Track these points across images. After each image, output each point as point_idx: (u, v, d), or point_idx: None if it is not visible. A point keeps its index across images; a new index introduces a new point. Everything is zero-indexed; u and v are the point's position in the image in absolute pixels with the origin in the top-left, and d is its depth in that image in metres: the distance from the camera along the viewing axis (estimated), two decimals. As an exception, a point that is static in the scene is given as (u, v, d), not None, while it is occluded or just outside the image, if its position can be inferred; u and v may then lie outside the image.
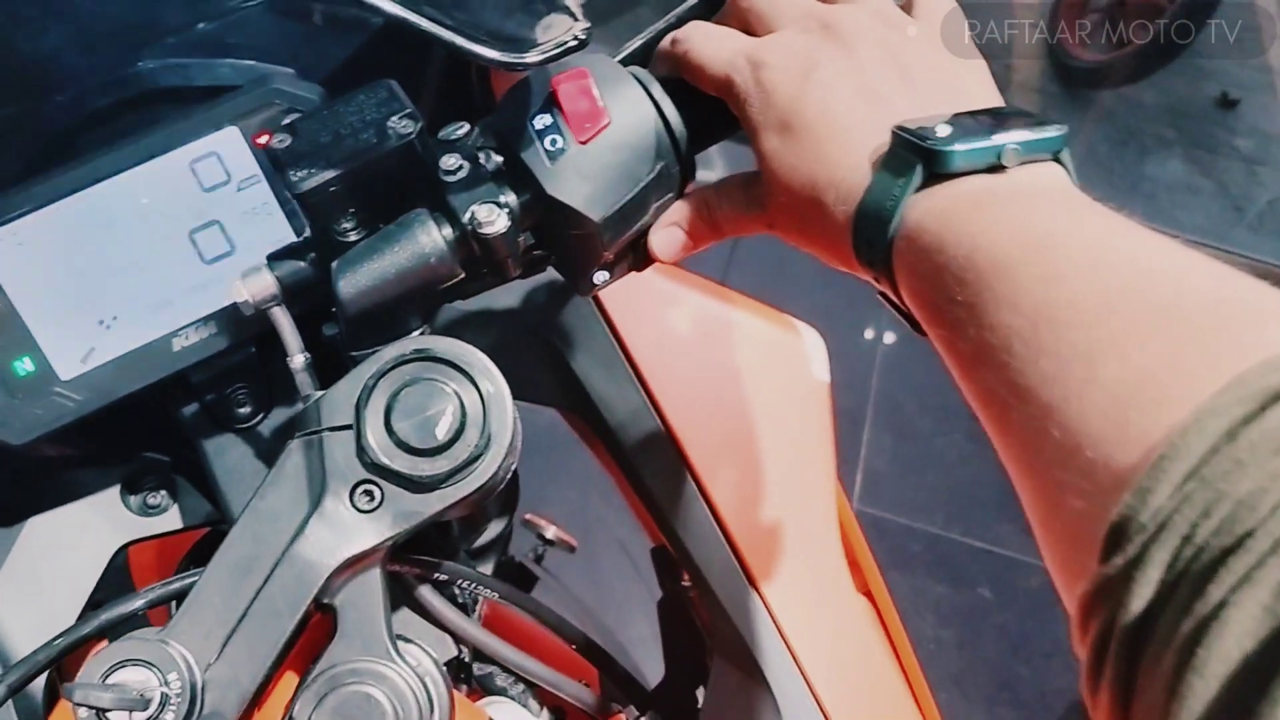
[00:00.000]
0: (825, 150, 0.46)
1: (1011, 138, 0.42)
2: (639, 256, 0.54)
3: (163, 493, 0.68)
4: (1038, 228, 0.39)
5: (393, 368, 0.49)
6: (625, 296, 0.71)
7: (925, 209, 0.42)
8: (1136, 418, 0.32)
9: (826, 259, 0.49)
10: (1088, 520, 0.32)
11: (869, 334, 2.28)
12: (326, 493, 0.49)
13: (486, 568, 0.74)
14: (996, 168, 0.42)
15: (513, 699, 0.71)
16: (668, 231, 0.53)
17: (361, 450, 0.48)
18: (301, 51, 0.65)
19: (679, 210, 0.53)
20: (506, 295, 0.70)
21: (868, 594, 0.80)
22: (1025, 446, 0.37)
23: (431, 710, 0.51)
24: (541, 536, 1.21)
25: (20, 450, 0.57)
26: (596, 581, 1.72)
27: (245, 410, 0.62)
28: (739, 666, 0.67)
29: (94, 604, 0.65)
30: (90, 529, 0.66)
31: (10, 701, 0.59)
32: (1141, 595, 0.28)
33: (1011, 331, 0.37)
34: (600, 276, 0.53)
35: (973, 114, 0.44)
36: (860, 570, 0.82)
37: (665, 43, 0.52)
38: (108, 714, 0.45)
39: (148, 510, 0.68)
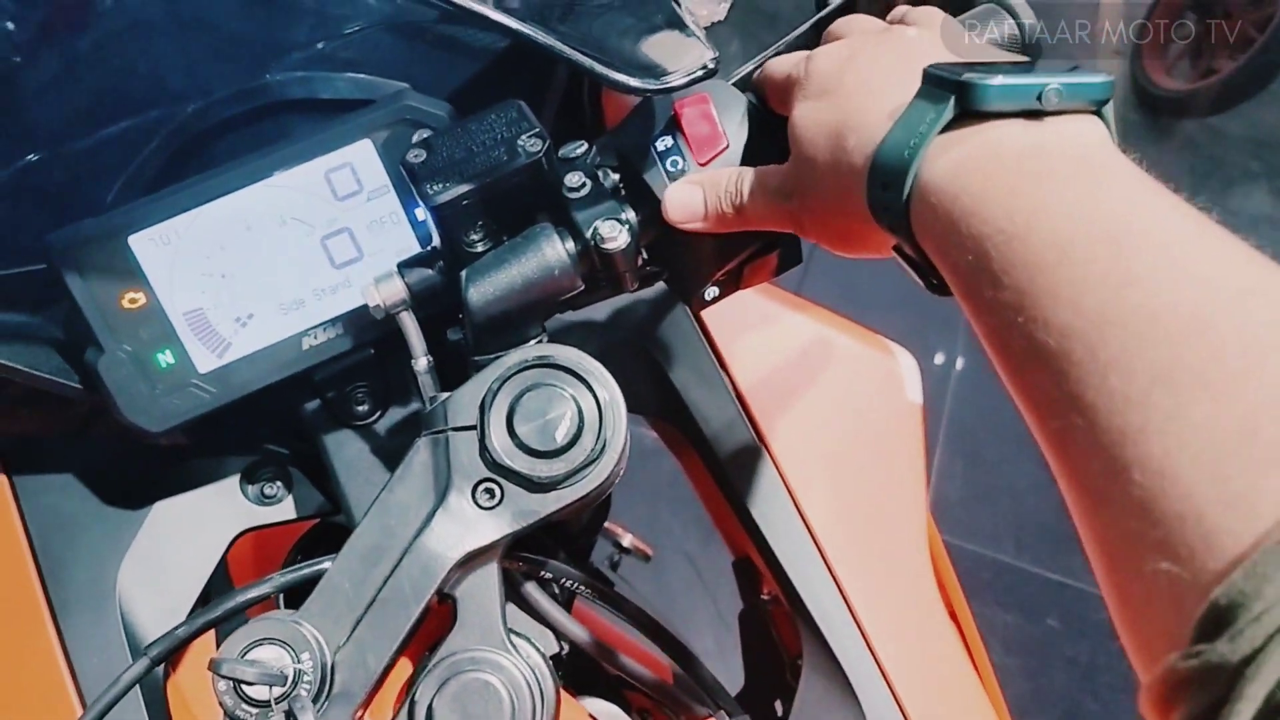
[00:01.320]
0: (857, 101, 0.44)
1: (1054, 78, 0.38)
2: (747, 278, 0.56)
3: (279, 484, 0.72)
4: (1108, 214, 0.35)
5: (516, 373, 0.51)
6: (723, 313, 0.73)
7: (959, 157, 0.39)
8: (1239, 475, 0.28)
9: (846, 238, 0.48)
10: (1173, 584, 0.29)
11: (940, 359, 2.28)
12: (451, 489, 0.51)
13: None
14: (1035, 113, 0.38)
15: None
16: (690, 190, 0.51)
17: (485, 450, 0.51)
18: (419, 69, 0.68)
19: (709, 177, 0.51)
20: (609, 307, 0.73)
21: (954, 617, 0.81)
22: (1090, 475, 0.33)
23: (542, 702, 0.53)
24: (618, 544, 1.24)
25: (156, 438, 0.60)
26: (664, 591, 1.74)
27: (364, 408, 0.65)
28: (829, 680, 0.68)
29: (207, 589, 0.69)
30: (211, 515, 0.70)
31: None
32: (1253, 699, 0.25)
33: (1073, 335, 0.33)
34: (711, 292, 0.55)
35: (1011, 62, 0.41)
36: (947, 593, 0.83)
37: (758, 72, 0.54)
38: (247, 687, 0.48)
39: (264, 500, 0.72)
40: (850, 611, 0.67)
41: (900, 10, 0.53)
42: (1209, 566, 0.28)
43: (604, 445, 0.51)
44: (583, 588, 0.63)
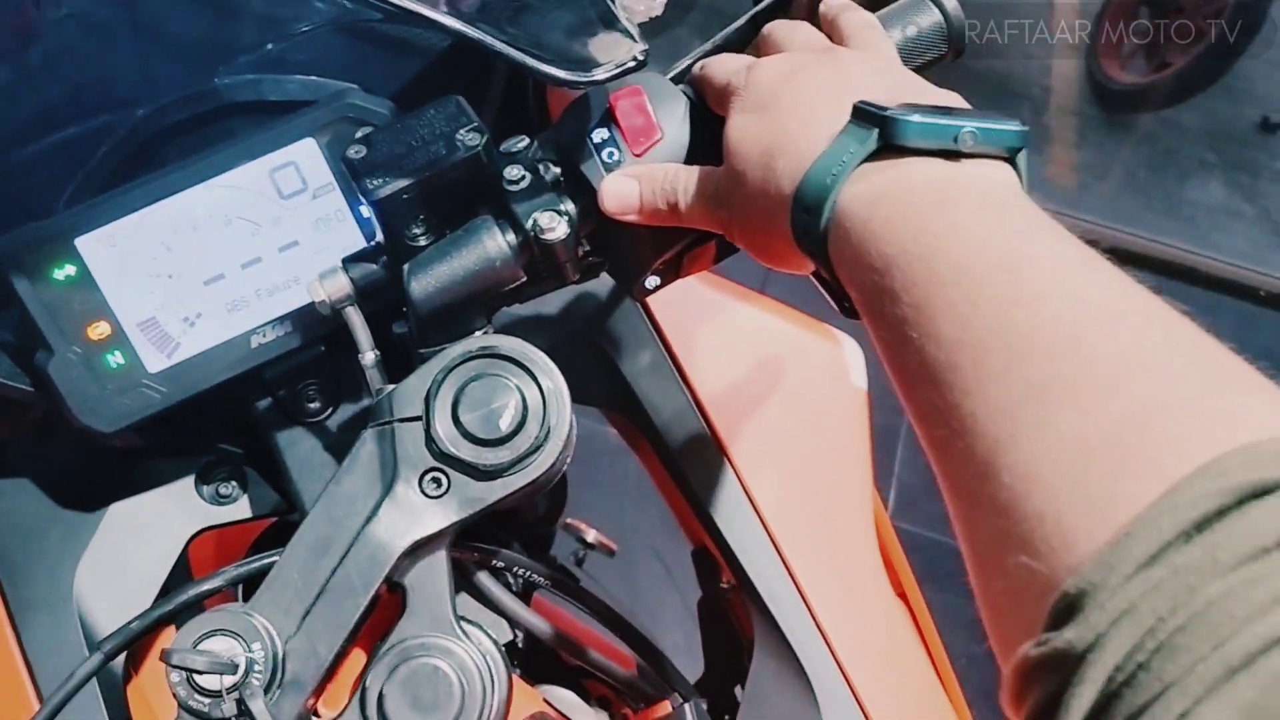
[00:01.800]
0: (789, 125, 0.46)
1: (970, 122, 0.41)
2: (688, 266, 0.57)
3: (233, 483, 0.72)
4: (1005, 242, 0.37)
5: (460, 363, 0.52)
6: (671, 304, 0.74)
7: (875, 186, 0.41)
8: (1097, 481, 0.30)
9: (770, 253, 0.49)
10: (1032, 577, 0.30)
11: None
12: (398, 479, 0.52)
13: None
14: (952, 153, 0.41)
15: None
16: (626, 182, 0.52)
17: (430, 440, 0.52)
18: (366, 69, 0.69)
19: (646, 171, 0.52)
20: (558, 300, 0.74)
21: (903, 596, 0.83)
22: (965, 479, 0.35)
23: (493, 687, 0.54)
24: (582, 540, 1.24)
25: (108, 438, 0.61)
26: (632, 587, 1.75)
27: (315, 405, 0.66)
28: (780, 662, 0.69)
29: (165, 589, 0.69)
30: (167, 516, 0.70)
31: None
32: (1094, 682, 0.26)
33: (961, 349, 0.35)
34: (652, 281, 0.57)
35: (934, 106, 0.44)
36: (895, 573, 0.84)
37: (696, 68, 0.55)
38: (198, 677, 0.49)
39: (219, 500, 0.72)
40: (799, 592, 0.69)
41: (833, 10, 0.54)
42: (1064, 562, 0.29)
43: (548, 432, 0.52)
44: (538, 578, 0.64)
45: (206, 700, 0.49)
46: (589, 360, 0.74)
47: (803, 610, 0.69)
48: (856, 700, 0.69)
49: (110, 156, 0.68)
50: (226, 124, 0.68)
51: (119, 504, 0.69)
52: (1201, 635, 0.25)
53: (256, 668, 0.50)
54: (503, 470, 0.52)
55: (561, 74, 0.47)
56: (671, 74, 0.57)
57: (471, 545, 0.60)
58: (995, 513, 0.32)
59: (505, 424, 0.52)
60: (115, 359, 0.60)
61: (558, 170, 0.55)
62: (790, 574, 0.70)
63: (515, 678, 0.60)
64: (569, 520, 1.27)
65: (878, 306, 0.40)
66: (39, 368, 0.59)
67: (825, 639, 0.69)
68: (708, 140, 0.53)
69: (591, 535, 1.24)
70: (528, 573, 0.63)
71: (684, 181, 0.51)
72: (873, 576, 0.73)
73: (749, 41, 0.57)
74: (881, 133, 0.41)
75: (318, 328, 0.62)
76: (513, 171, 0.54)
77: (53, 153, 0.68)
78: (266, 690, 0.50)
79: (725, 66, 0.52)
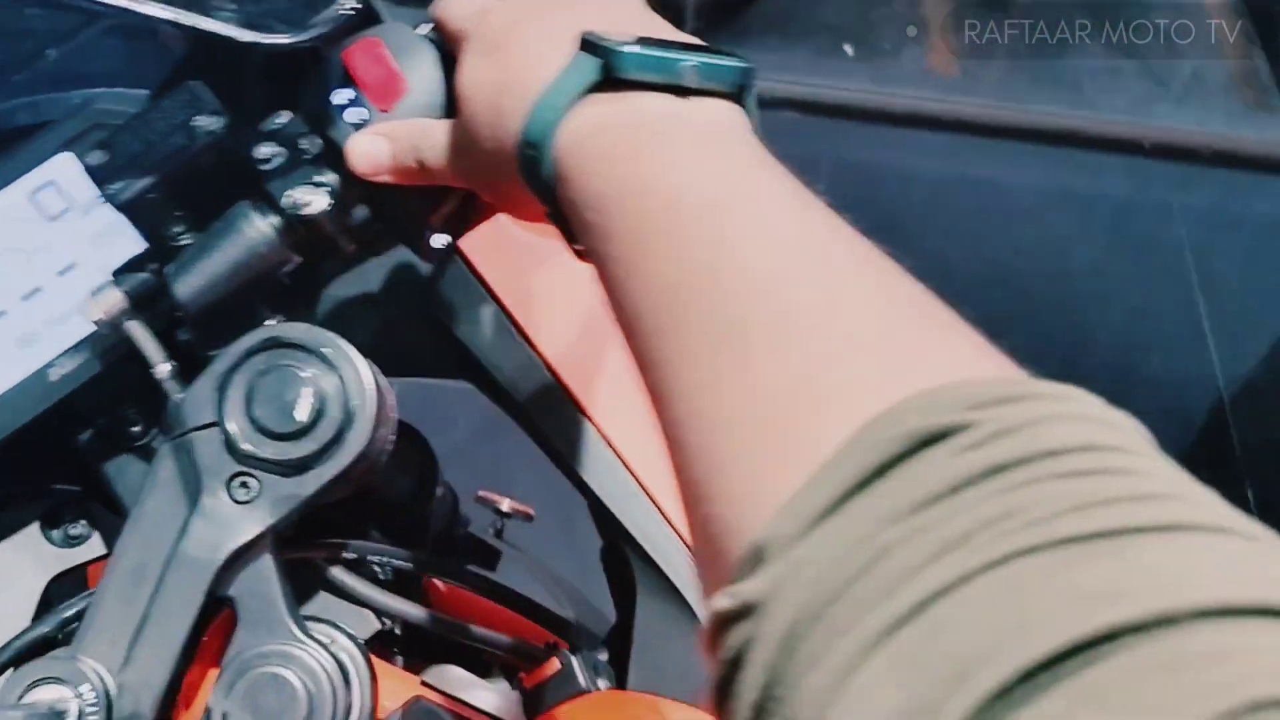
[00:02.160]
0: (518, 62, 0.44)
1: (693, 57, 0.40)
2: (472, 215, 0.55)
3: (82, 523, 0.69)
4: (718, 179, 0.36)
5: (244, 359, 0.50)
6: (498, 257, 0.72)
7: (595, 119, 0.40)
8: (791, 423, 0.29)
9: (510, 200, 0.48)
10: (726, 527, 0.29)
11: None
12: (203, 490, 0.50)
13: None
14: (677, 89, 0.39)
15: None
16: (373, 141, 0.49)
17: (229, 443, 0.49)
18: (147, 70, 0.66)
19: (392, 128, 0.50)
20: (383, 275, 0.71)
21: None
22: (671, 428, 0.33)
23: (346, 684, 0.52)
24: (498, 511, 1.23)
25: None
26: (563, 546, 1.74)
27: (137, 429, 0.63)
28: (666, 602, 0.68)
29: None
30: (16, 568, 0.67)
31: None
32: (772, 635, 0.25)
33: (666, 290, 0.34)
34: (439, 240, 0.54)
35: (661, 40, 0.42)
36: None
37: (432, 10, 0.52)
38: (21, 733, 0.46)
39: (70, 541, 0.69)
40: (677, 534, 0.67)
41: None
42: (755, 512, 0.28)
43: (351, 416, 0.50)
44: (398, 562, 0.62)
45: (42, 755, 0.47)
46: (428, 332, 0.72)
47: (682, 550, 0.68)
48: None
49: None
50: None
51: (-41, 566, 0.66)
52: (872, 586, 0.24)
53: (89, 711, 0.48)
54: (311, 462, 0.50)
55: (272, 39, 0.45)
56: (419, 25, 0.54)
57: (311, 542, 0.57)
58: (695, 460, 0.31)
59: (302, 414, 0.49)
60: (-98, 419, 0.57)
61: (321, 140, 0.52)
62: (665, 517, 0.69)
63: (389, 666, 0.59)
64: (481, 493, 1.25)
65: (597, 246, 0.38)
66: None
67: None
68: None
69: (506, 504, 1.22)
70: (383, 559, 0.61)
71: (431, 136, 0.48)
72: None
73: None
74: (604, 66, 0.40)
75: (117, 349, 0.59)
76: (262, 150, 0.51)
77: None
78: (102, 730, 0.48)
79: (459, 11, 0.49)
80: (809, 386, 0.29)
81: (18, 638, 0.53)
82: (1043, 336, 1.38)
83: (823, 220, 0.35)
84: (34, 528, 0.69)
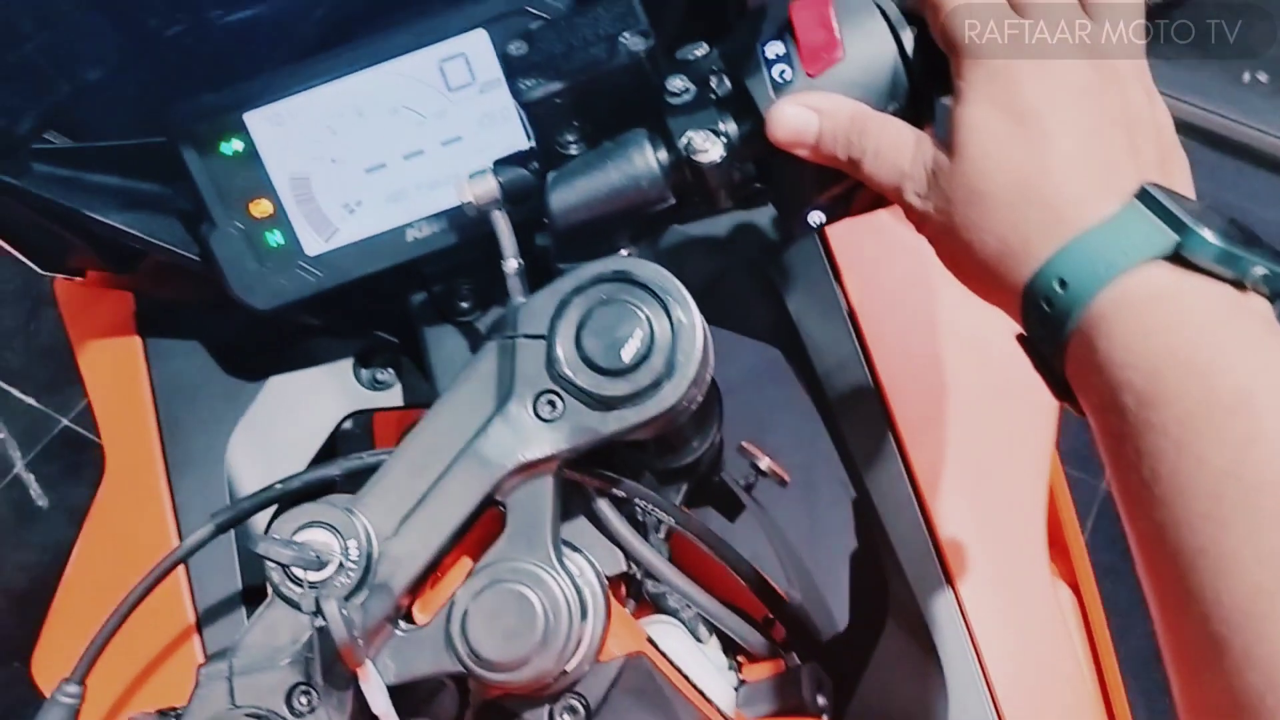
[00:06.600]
0: (1054, 162, 0.40)
1: (1266, 264, 0.37)
2: (860, 203, 0.52)
3: (390, 371, 0.73)
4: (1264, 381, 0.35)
5: (590, 285, 0.49)
6: (854, 240, 0.68)
7: (1157, 284, 0.37)
8: None
9: (973, 282, 0.44)
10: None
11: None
12: (513, 396, 0.50)
13: (677, 490, 0.74)
14: (1236, 282, 0.37)
15: (683, 622, 0.71)
16: (803, 114, 0.46)
17: (550, 361, 0.49)
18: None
19: (831, 107, 0.45)
20: (731, 224, 0.69)
21: (1073, 584, 0.75)
22: (1204, 601, 0.34)
23: (584, 618, 0.52)
24: (755, 466, 1.21)
25: (265, 316, 0.62)
26: (812, 519, 1.70)
27: (466, 305, 0.65)
28: (912, 636, 0.64)
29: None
30: (322, 393, 0.72)
31: (234, 542, 0.65)
32: None
33: (1229, 476, 0.34)
34: (816, 217, 0.51)
35: (1230, 225, 0.38)
36: (1069, 558, 0.77)
37: None
38: (289, 567, 0.49)
39: (376, 385, 0.73)
40: (945, 569, 0.63)
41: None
42: None
43: (672, 369, 0.49)
44: (660, 514, 0.61)
45: (298, 590, 0.49)
46: (755, 291, 0.70)
47: (945, 586, 0.64)
48: (990, 691, 0.63)
49: (289, 43, 0.67)
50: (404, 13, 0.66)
51: (279, 377, 0.71)
52: None
53: (350, 567, 0.50)
54: (620, 402, 0.49)
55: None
56: None
57: (592, 471, 0.57)
58: (1240, 653, 0.33)
59: (628, 355, 0.48)
60: (275, 238, 0.61)
61: (731, 84, 0.50)
62: (937, 546, 0.64)
63: (621, 610, 0.58)
64: (744, 443, 1.24)
65: (1128, 405, 0.37)
66: (203, 239, 0.60)
67: (966, 622, 0.63)
68: (911, 77, 0.46)
69: (765, 463, 1.21)
70: (648, 505, 0.60)
71: (877, 140, 0.44)
72: (1032, 561, 0.66)
73: None
74: (1179, 244, 0.37)
75: (474, 229, 0.61)
76: (675, 83, 0.49)
77: (251, 22, 0.68)
78: (357, 588, 0.49)
79: (975, 14, 0.42)
80: None
81: (308, 471, 0.56)
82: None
83: None
84: (348, 362, 0.73)
